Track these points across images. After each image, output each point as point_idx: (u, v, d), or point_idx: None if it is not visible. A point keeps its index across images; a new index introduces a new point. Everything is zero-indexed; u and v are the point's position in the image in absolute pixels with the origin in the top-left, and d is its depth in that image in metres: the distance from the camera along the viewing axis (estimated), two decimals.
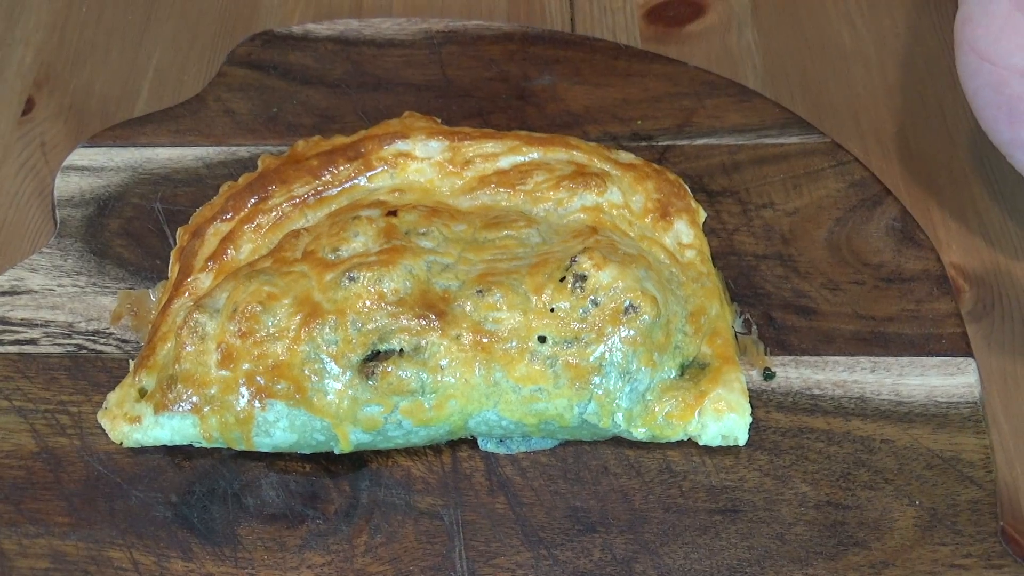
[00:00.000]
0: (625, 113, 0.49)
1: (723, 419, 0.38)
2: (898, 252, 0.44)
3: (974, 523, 0.38)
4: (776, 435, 0.40)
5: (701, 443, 0.39)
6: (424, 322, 0.38)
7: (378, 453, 0.40)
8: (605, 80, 0.50)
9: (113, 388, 0.41)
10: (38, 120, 0.52)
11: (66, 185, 0.48)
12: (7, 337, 0.43)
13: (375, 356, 0.38)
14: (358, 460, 0.40)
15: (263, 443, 0.39)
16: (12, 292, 0.44)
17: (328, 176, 0.44)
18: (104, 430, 0.40)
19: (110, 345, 0.43)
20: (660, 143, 0.48)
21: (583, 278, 0.38)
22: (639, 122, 0.49)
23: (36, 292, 0.44)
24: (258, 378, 0.38)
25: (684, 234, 0.43)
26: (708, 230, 0.44)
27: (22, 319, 0.44)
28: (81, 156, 0.49)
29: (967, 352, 0.42)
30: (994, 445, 0.41)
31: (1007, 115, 0.40)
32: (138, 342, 0.43)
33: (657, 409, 0.38)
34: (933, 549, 0.37)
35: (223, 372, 0.38)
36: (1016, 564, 0.37)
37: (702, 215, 0.44)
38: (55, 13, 0.57)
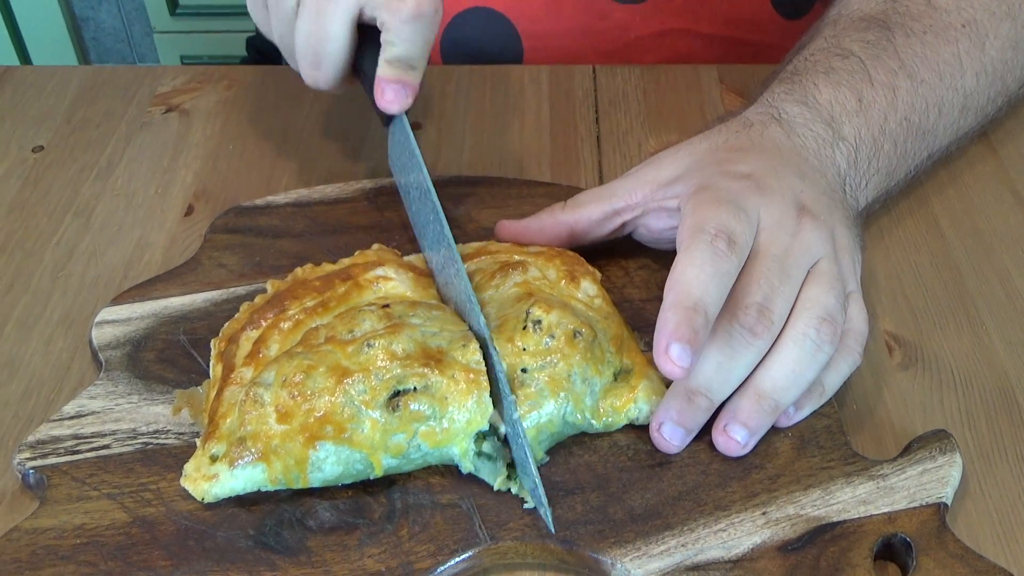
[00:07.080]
0: None
1: (651, 400, 0.53)
2: None
3: (831, 440, 0.54)
4: None
5: (639, 423, 0.54)
6: (427, 369, 0.52)
7: (402, 475, 0.53)
8: (505, 203, 0.67)
9: (180, 468, 0.52)
10: (197, 219, 0.70)
11: (102, 335, 0.60)
12: (83, 447, 0.54)
13: (396, 395, 0.51)
14: (388, 480, 0.52)
15: (316, 478, 0.51)
16: (78, 415, 0.56)
17: (329, 292, 0.58)
18: (187, 492, 0.51)
19: (170, 439, 0.55)
20: None
21: (539, 322, 0.53)
22: None
23: (99, 412, 0.56)
24: (309, 427, 0.51)
25: (589, 289, 0.59)
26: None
27: (92, 432, 0.55)
28: (109, 313, 0.61)
29: None
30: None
31: None
32: (193, 432, 0.55)
33: (608, 403, 0.53)
34: (807, 460, 0.53)
35: (282, 427, 0.51)
36: (862, 460, 0.53)
37: (598, 276, 0.60)
38: (208, 150, 0.76)
